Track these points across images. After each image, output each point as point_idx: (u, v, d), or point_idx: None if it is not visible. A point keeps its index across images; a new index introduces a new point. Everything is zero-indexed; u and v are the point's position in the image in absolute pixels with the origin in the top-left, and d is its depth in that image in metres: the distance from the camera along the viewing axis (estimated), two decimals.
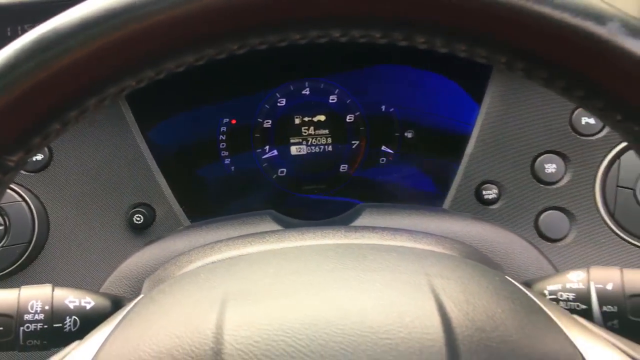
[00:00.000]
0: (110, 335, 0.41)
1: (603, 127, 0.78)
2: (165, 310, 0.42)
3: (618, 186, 0.77)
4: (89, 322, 0.53)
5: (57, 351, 0.43)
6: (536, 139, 0.80)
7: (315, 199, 0.86)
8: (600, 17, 0.32)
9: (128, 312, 0.45)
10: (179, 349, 0.36)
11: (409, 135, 0.85)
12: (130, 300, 0.51)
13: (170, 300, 0.44)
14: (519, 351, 0.36)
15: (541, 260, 0.74)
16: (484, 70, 0.80)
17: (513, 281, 0.47)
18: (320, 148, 0.86)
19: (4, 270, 0.78)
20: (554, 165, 0.79)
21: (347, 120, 0.85)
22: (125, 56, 0.32)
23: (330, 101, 0.85)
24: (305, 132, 0.85)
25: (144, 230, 0.81)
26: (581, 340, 0.39)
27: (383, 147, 0.85)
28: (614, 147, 0.78)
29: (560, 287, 0.54)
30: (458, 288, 0.41)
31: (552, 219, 0.79)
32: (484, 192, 0.81)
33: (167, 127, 0.85)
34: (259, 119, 0.85)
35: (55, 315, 0.54)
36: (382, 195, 0.86)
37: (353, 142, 0.85)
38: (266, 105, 0.85)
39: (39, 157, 0.80)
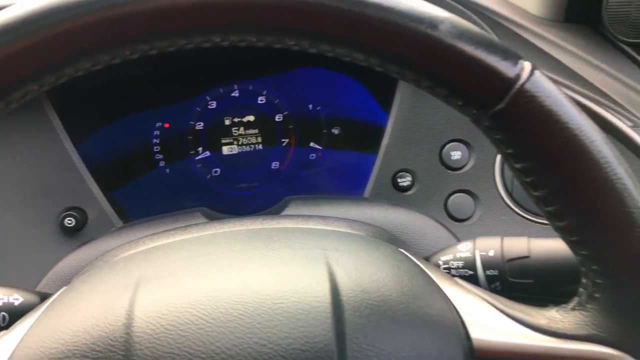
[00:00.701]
0: (34, 322, 0.43)
1: None
2: (84, 296, 0.44)
3: None
4: (18, 317, 0.52)
5: None
6: (443, 129, 0.83)
7: (247, 195, 0.87)
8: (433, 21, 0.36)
9: (51, 301, 0.47)
10: (94, 327, 0.39)
11: (335, 131, 0.88)
12: None
13: (89, 288, 0.46)
14: (396, 307, 0.40)
15: (450, 239, 0.77)
16: None
17: (405, 252, 0.51)
18: (251, 147, 0.87)
19: None
20: (459, 153, 0.83)
21: (276, 120, 0.87)
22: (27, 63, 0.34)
23: (259, 102, 0.87)
24: (235, 133, 0.86)
25: (76, 233, 0.81)
26: (457, 296, 0.44)
27: (312, 144, 0.88)
28: None
29: (451, 257, 0.59)
30: (350, 259, 0.45)
31: (459, 201, 0.82)
32: (399, 180, 0.84)
33: (98, 133, 0.85)
34: (191, 122, 0.86)
35: None
36: (311, 188, 0.87)
37: (283, 140, 0.87)
38: (197, 109, 0.86)
39: None
